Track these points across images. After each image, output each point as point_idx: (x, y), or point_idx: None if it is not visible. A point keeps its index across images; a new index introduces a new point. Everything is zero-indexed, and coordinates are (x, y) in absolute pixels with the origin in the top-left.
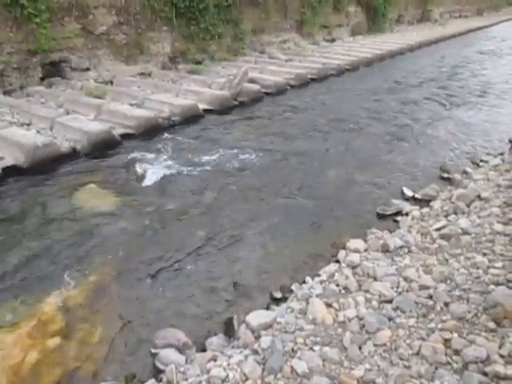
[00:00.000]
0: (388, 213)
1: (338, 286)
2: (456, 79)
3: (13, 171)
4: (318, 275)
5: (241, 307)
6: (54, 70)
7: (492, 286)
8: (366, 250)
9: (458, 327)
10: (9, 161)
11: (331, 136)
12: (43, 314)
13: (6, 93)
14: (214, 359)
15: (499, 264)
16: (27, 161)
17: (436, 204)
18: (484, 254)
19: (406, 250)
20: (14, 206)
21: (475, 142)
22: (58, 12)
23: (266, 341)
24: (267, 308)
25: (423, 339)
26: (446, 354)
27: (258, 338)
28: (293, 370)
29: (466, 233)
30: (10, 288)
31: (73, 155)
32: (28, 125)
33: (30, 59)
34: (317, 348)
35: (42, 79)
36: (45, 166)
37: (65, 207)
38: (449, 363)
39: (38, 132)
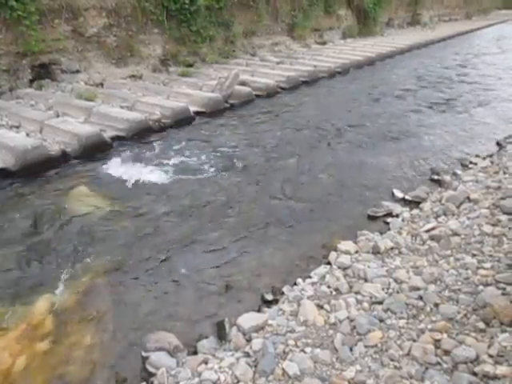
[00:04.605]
0: (378, 214)
1: (329, 287)
2: (445, 82)
3: (2, 174)
4: (309, 277)
5: (232, 310)
6: (43, 72)
7: (481, 287)
8: (356, 252)
9: (448, 328)
10: None
11: (322, 138)
12: (33, 318)
13: None
14: (206, 362)
15: (488, 265)
16: (17, 164)
17: (426, 205)
18: (473, 255)
19: (397, 251)
20: (2, 209)
21: (464, 144)
22: (47, 14)
23: (257, 343)
24: (258, 310)
25: (413, 340)
26: (436, 355)
27: (249, 340)
28: (284, 372)
29: (455, 234)
30: (0, 291)
31: (63, 158)
32: (17, 127)
33: (20, 61)
34: (308, 350)
35: (32, 81)
36: (34, 169)
37: (54, 210)
38: (439, 363)
39: (27, 135)
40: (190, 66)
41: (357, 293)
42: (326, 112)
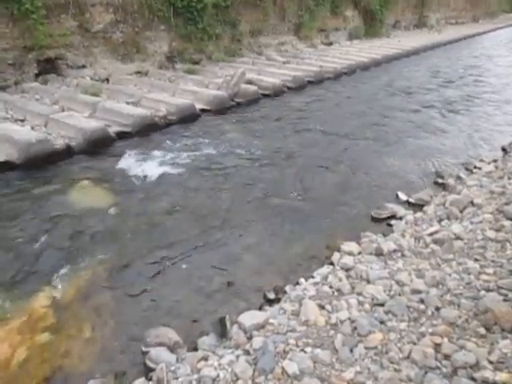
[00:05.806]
0: (382, 216)
1: (331, 288)
2: (450, 85)
3: (6, 167)
4: (312, 277)
5: (233, 307)
6: (49, 67)
7: (483, 292)
8: (359, 253)
9: (449, 332)
10: (2, 156)
11: (327, 139)
12: (33, 310)
13: (0, 89)
14: (205, 359)
15: (490, 270)
16: (21, 157)
17: (430, 209)
18: (476, 260)
19: (399, 253)
20: (6, 202)
21: (469, 148)
22: (54, 9)
23: (257, 341)
24: (260, 309)
25: (414, 343)
26: (435, 359)
27: (250, 338)
28: (284, 371)
29: (458, 238)
30: (1, 283)
31: (67, 152)
32: (22, 121)
33: (26, 55)
34: (308, 349)
35: (37, 76)
36: (38, 163)
37: (58, 204)
38: (438, 368)
39: (32, 128)
40: (196, 63)
41: (359, 294)
42: (332, 112)
